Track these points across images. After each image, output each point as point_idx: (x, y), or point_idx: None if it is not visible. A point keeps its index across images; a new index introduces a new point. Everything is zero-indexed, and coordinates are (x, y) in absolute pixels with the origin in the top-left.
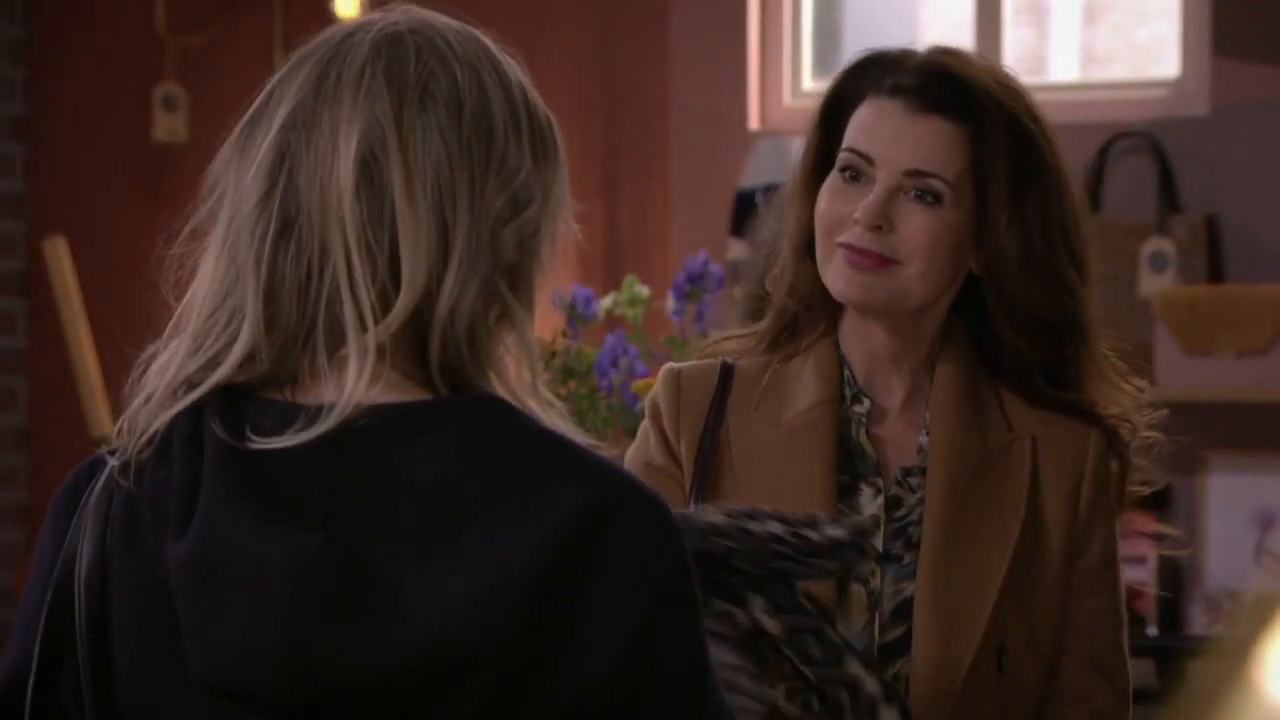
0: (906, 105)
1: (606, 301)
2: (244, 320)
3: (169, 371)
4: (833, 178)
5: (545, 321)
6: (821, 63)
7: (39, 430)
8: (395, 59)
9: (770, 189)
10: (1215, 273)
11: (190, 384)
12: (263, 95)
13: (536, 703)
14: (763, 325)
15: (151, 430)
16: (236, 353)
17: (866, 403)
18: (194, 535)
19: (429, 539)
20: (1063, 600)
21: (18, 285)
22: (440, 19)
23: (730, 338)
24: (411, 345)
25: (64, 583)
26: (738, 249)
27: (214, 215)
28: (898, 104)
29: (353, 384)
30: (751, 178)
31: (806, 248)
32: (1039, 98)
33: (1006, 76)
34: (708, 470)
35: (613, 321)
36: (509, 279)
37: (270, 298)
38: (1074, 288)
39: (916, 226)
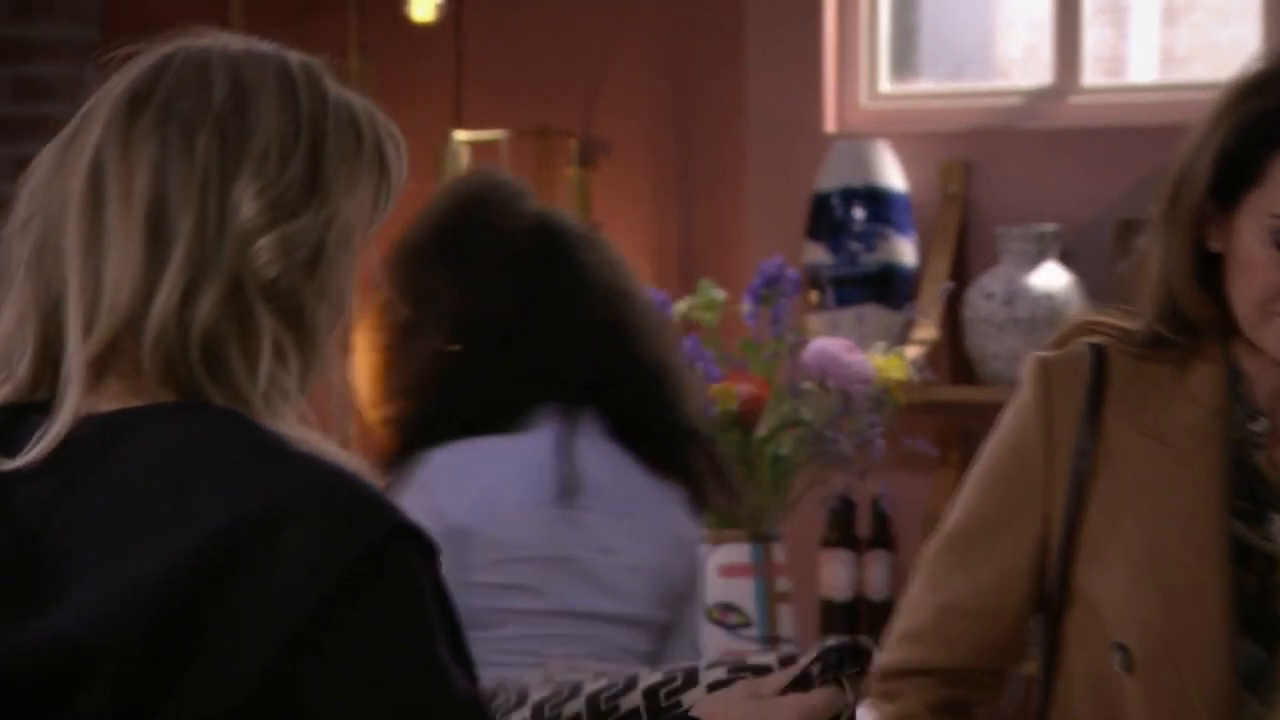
0: None
1: (681, 305)
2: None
3: None
4: (1264, 248)
5: None
6: (899, 64)
7: None
8: (146, 79)
9: (847, 193)
10: None
11: None
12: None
13: (178, 704)
14: (1140, 325)
15: None
16: (20, 371)
17: (1264, 421)
18: None
19: (108, 540)
20: None
21: None
22: (241, 43)
23: (1100, 324)
24: (137, 356)
25: None
26: (813, 252)
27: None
28: None
29: (71, 397)
30: (827, 181)
31: (1197, 277)
32: (1117, 99)
33: None
34: (1080, 478)
35: (687, 325)
36: (267, 291)
37: (38, 316)
38: None
39: None
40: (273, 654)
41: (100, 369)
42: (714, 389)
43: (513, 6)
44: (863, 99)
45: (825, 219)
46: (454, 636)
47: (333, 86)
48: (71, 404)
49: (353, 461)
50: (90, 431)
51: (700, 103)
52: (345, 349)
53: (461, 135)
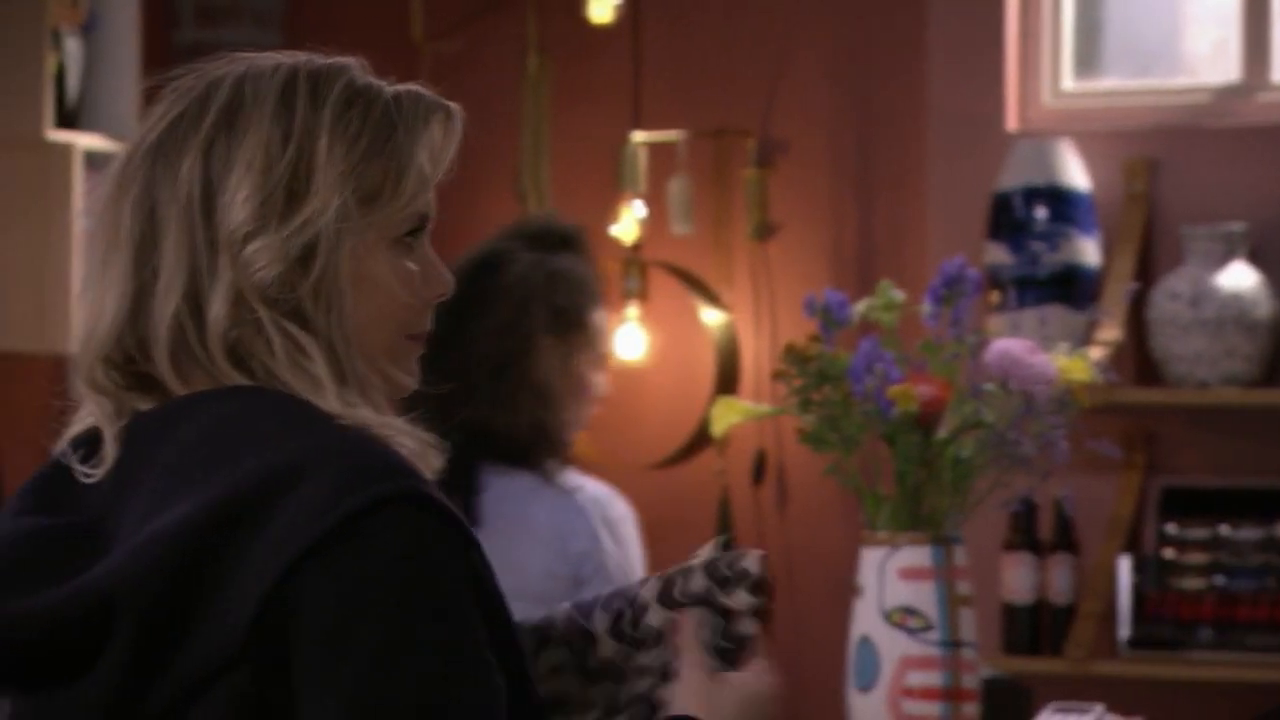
0: None
1: (860, 306)
2: None
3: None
4: None
5: (798, 326)
6: (1083, 62)
7: None
8: (150, 121)
9: (1029, 192)
10: None
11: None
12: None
13: (191, 651)
14: None
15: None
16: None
17: None
18: None
19: (148, 509)
20: None
21: None
22: (269, 60)
23: None
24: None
25: None
26: (994, 252)
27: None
28: None
29: (88, 412)
30: (1009, 180)
31: None
32: None
33: None
34: None
35: (866, 326)
36: (264, 292)
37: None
38: None
39: None
40: (262, 599)
41: (143, 386)
42: (893, 391)
43: (691, 6)
44: (1045, 97)
45: (1006, 218)
46: (495, 629)
47: (349, 85)
48: (94, 415)
49: (417, 437)
50: (147, 423)
51: (880, 101)
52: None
53: (639, 136)
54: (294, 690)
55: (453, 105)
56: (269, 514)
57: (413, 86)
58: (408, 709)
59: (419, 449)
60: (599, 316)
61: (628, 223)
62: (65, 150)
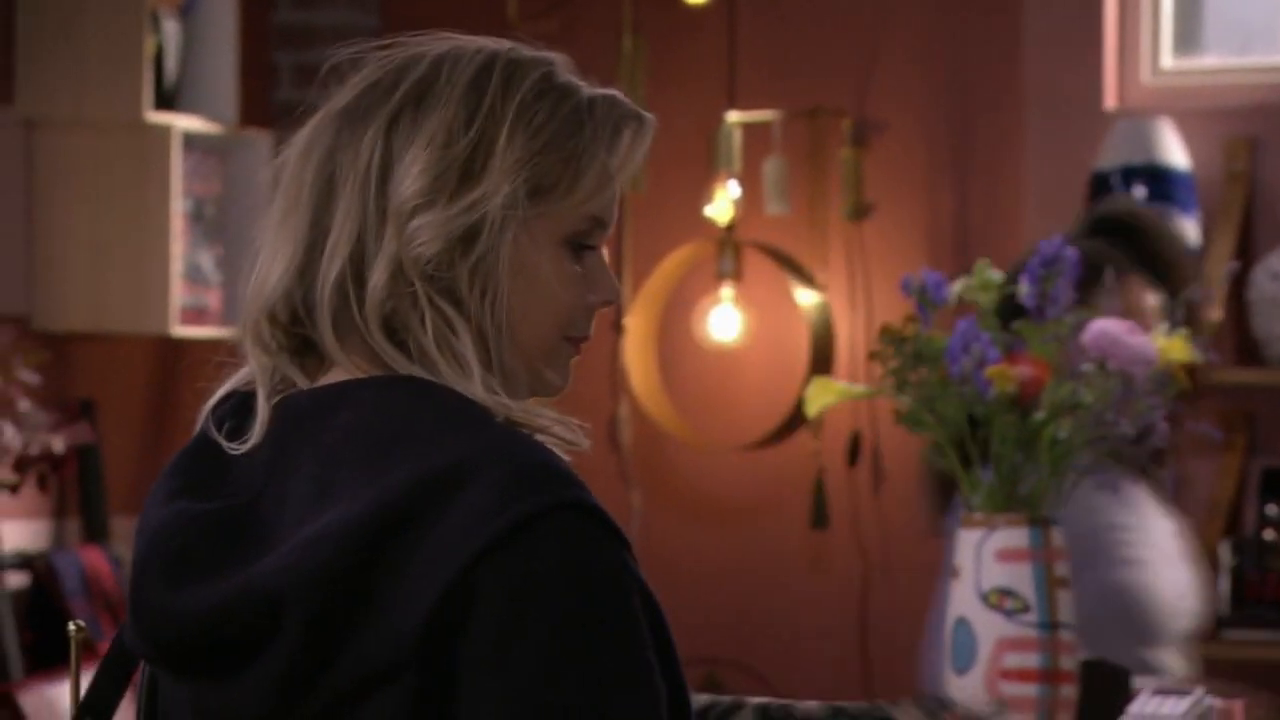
0: None
1: (957, 286)
2: None
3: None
4: None
5: (893, 307)
6: (1183, 40)
7: None
8: (348, 89)
9: (1127, 171)
10: None
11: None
12: None
13: (354, 654)
14: None
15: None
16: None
17: None
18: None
19: (307, 503)
20: None
21: None
22: (474, 43)
23: None
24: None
25: None
26: None
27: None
28: None
29: (249, 372)
30: (1108, 159)
31: None
32: None
33: None
34: None
35: (964, 307)
36: (423, 269)
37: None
38: None
39: None
40: (431, 607)
41: (301, 350)
42: (991, 371)
43: None
44: (1144, 75)
45: (1106, 198)
46: (655, 634)
47: (545, 79)
48: (252, 377)
49: (566, 424)
50: (302, 404)
51: (976, 80)
52: (618, 330)
53: (734, 116)
54: (456, 696)
55: (647, 115)
56: (437, 517)
57: (611, 92)
58: (574, 711)
59: (570, 435)
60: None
61: (723, 203)
62: (164, 132)
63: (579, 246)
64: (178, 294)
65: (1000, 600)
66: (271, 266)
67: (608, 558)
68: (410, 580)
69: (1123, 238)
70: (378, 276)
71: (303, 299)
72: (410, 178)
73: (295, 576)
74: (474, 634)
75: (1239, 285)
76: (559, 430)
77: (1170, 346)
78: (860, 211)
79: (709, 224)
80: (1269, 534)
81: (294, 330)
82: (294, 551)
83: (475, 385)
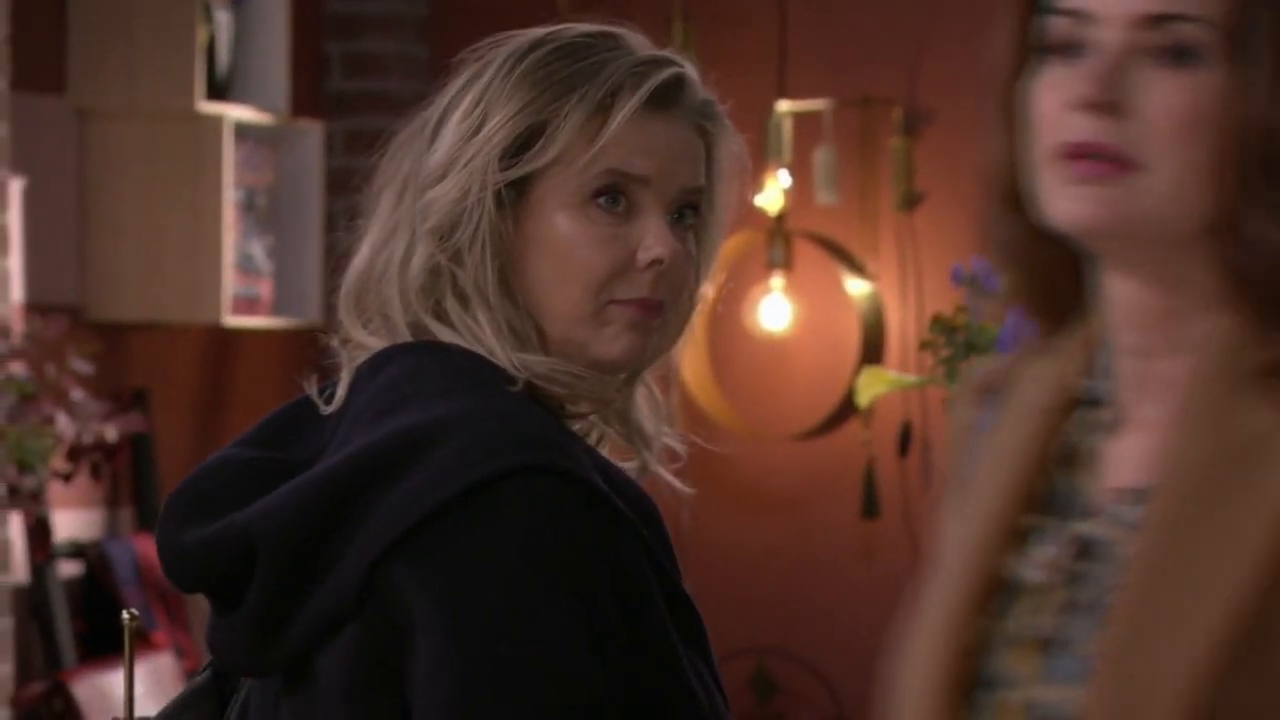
0: None
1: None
2: None
3: None
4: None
5: (944, 297)
6: None
7: None
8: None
9: None
10: None
11: None
12: None
13: (318, 597)
14: None
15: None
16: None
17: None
18: None
19: (329, 456)
20: None
21: None
22: (525, 34)
23: None
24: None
25: None
26: None
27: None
28: None
29: (342, 339)
30: None
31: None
32: None
33: None
34: None
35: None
36: (439, 241)
37: None
38: None
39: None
40: (376, 555)
41: (383, 325)
42: None
43: None
44: None
45: None
46: (640, 609)
47: (558, 49)
48: (343, 342)
49: (594, 377)
50: (362, 371)
51: None
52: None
53: (785, 106)
54: (404, 651)
55: (686, 69)
56: (402, 474)
57: (637, 54)
58: (504, 681)
59: (597, 390)
60: None
61: (773, 193)
62: (216, 122)
63: (611, 204)
64: (229, 284)
65: None
66: (363, 250)
67: (572, 525)
68: (363, 534)
69: None
70: (419, 254)
71: (379, 279)
72: (434, 156)
73: (269, 520)
74: (417, 595)
75: None
76: (584, 388)
77: None
78: (911, 201)
79: (759, 214)
80: None
81: (376, 308)
82: (279, 496)
83: (497, 353)
